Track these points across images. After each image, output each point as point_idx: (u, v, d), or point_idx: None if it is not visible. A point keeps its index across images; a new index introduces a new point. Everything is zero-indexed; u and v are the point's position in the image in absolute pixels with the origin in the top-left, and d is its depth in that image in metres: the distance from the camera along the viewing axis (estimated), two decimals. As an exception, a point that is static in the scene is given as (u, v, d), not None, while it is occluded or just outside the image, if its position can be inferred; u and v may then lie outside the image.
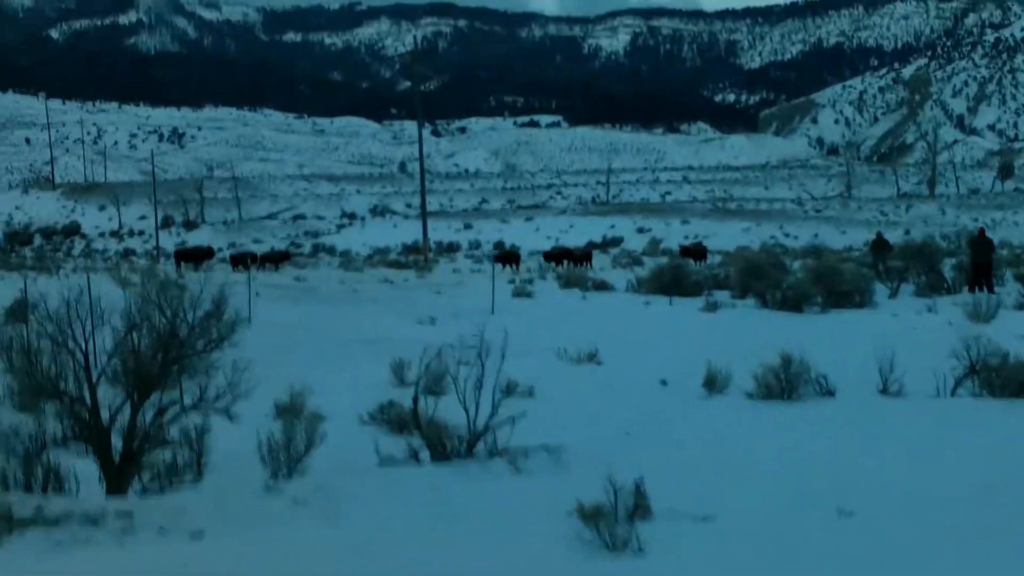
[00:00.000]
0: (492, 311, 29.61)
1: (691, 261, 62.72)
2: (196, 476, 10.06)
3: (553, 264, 61.66)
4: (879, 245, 49.36)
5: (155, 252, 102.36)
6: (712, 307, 28.70)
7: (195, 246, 74.21)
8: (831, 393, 14.97)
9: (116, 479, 9.66)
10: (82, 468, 9.85)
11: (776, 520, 8.97)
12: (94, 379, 9.63)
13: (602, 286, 37.77)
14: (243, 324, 10.54)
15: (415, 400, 11.04)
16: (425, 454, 11.12)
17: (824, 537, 8.52)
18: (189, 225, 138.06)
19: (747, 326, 25.29)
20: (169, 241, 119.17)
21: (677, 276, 34.27)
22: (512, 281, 35.87)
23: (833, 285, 28.54)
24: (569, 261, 61.39)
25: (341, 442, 11.30)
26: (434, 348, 21.39)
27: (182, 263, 61.54)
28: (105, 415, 9.66)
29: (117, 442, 9.73)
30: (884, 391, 15.07)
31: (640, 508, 8.69)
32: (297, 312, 28.68)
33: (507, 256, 63.02)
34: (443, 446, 10.93)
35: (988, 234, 35.91)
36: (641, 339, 23.10)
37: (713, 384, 15.75)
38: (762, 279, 31.14)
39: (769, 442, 12.19)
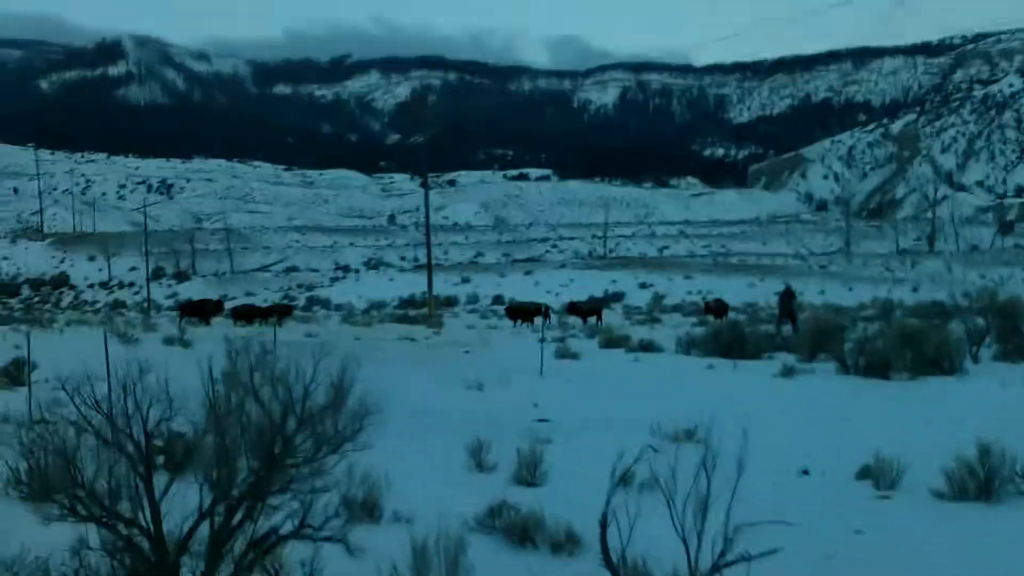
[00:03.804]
0: (541, 374, 26.82)
1: (711, 318, 60.35)
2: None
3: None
4: (787, 298, 47.14)
5: (146, 304, 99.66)
6: (788, 372, 25.82)
7: (202, 299, 69.28)
8: (1037, 493, 12.05)
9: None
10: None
11: None
12: (157, 496, 6.74)
13: (649, 347, 34.88)
14: (378, 415, 7.68)
15: (603, 524, 7.49)
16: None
17: None
18: (180, 276, 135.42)
19: (840, 395, 22.51)
20: (160, 292, 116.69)
21: (737, 337, 31.40)
22: (543, 340, 33.00)
23: (921, 349, 25.65)
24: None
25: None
26: (495, 420, 18.93)
27: (186, 318, 57.68)
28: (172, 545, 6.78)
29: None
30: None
31: None
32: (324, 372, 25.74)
33: (522, 311, 59.67)
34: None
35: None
36: (729, 411, 20.08)
37: (877, 477, 12.83)
38: (834, 341, 28.35)
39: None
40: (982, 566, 9.62)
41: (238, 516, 6.87)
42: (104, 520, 6.68)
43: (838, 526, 10.78)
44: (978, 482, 11.88)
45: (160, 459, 7.42)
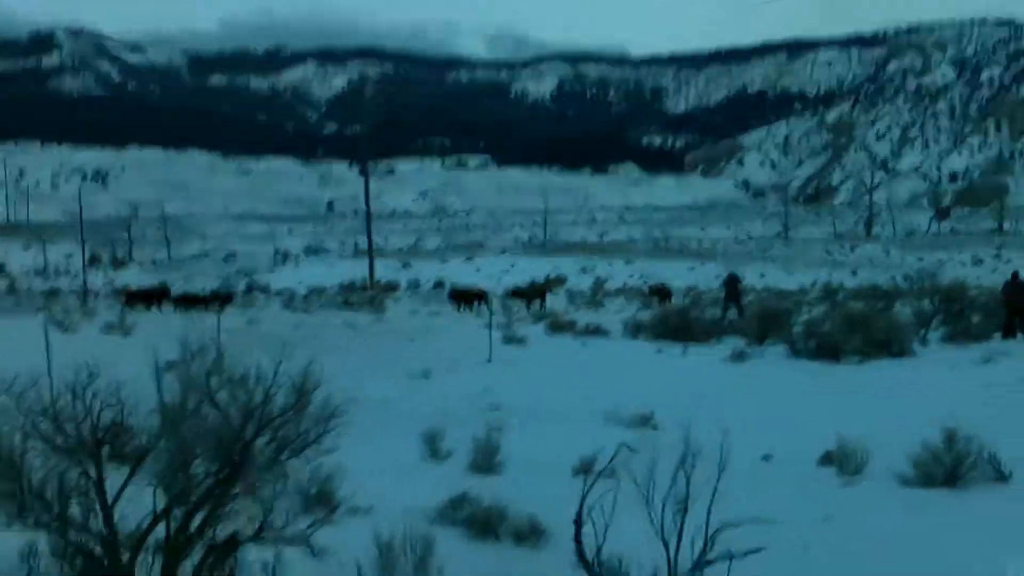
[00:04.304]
0: (489, 360, 26.55)
1: (655, 301, 60.33)
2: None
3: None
4: (732, 283, 47.48)
5: (83, 291, 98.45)
6: (740, 357, 25.64)
7: (149, 286, 69.05)
8: (1004, 478, 11.81)
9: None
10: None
11: None
12: (110, 499, 6.35)
13: (596, 331, 34.65)
14: (343, 414, 7.33)
15: (578, 522, 7.02)
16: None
17: None
18: (117, 264, 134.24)
19: (793, 380, 22.36)
20: (97, 280, 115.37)
21: (686, 321, 31.19)
22: (488, 325, 32.65)
23: (870, 332, 25.54)
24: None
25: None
26: (445, 408, 18.64)
27: (134, 304, 56.32)
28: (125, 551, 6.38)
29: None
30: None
31: None
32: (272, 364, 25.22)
33: (470, 295, 59.34)
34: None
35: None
36: (682, 396, 19.81)
37: (840, 463, 12.60)
38: (781, 325, 28.26)
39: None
40: (952, 553, 9.41)
41: (196, 521, 6.50)
42: (54, 526, 6.30)
43: (807, 515, 10.55)
44: (944, 469, 11.67)
45: (113, 460, 7.05)
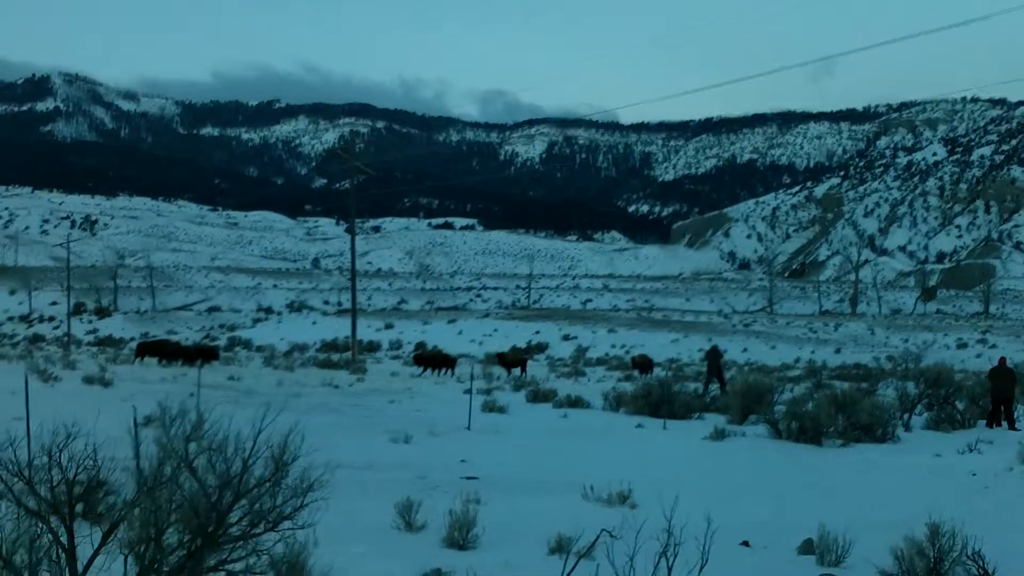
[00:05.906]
0: (468, 427, 26.40)
1: (636, 373, 60.38)
2: None
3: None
4: (714, 357, 47.68)
5: (66, 339, 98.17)
6: (720, 435, 25.45)
7: (162, 339, 70.01)
8: (988, 575, 11.60)
9: None
10: None
11: None
12: (80, 569, 6.23)
13: (577, 403, 34.53)
14: (320, 488, 7.20)
15: None
16: None
17: None
18: (101, 313, 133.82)
19: (774, 461, 22.15)
20: (80, 328, 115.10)
21: (667, 396, 31.03)
22: (468, 391, 32.55)
23: (854, 415, 25.44)
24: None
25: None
26: (423, 476, 18.41)
27: (145, 357, 55.42)
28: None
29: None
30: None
31: None
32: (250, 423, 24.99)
33: (436, 360, 59.21)
34: None
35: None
36: (662, 474, 19.65)
37: (821, 553, 12.40)
38: (764, 403, 28.15)
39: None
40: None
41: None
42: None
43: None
44: (927, 563, 11.49)
45: (87, 517, 6.93)
